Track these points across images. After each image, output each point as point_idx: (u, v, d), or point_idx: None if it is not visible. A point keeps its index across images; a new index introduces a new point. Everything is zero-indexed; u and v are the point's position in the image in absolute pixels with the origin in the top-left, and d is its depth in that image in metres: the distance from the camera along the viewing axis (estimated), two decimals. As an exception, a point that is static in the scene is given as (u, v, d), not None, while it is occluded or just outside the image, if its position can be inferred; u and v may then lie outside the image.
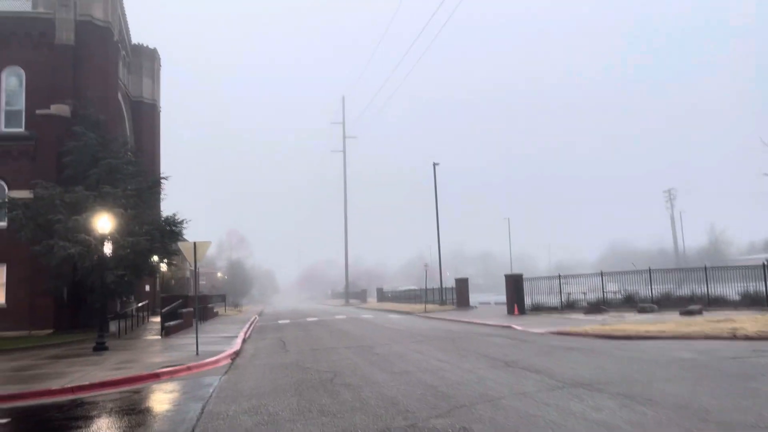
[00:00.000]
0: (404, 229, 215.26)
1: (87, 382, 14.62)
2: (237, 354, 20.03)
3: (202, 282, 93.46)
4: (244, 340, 25.29)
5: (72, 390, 13.93)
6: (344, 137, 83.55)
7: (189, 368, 16.76)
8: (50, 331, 28.67)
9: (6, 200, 28.35)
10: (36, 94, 32.15)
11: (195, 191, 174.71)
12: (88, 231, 25.52)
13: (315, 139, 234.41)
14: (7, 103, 32.42)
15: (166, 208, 39.46)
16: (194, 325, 23.47)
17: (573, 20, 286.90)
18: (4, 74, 32.52)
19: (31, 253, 27.72)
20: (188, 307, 38.19)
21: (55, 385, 14.50)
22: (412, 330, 27.06)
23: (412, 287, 76.07)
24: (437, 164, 51.79)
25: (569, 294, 35.82)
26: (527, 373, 12.55)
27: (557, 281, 36.31)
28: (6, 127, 32.04)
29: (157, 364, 17.47)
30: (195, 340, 20.67)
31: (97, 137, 29.35)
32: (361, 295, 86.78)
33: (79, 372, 16.58)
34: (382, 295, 77.77)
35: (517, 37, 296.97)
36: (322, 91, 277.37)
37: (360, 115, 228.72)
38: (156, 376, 15.60)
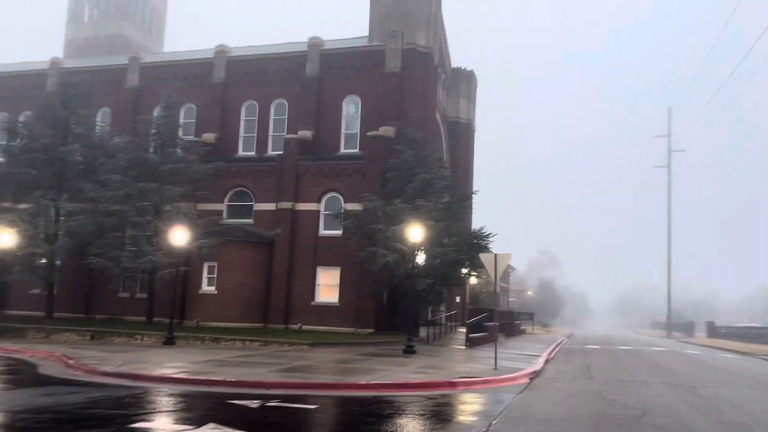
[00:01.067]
0: (746, 256, 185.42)
1: (389, 381, 15.35)
2: (536, 374, 19.05)
3: (511, 299, 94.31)
4: (546, 361, 24.15)
5: (375, 387, 14.75)
6: (669, 151, 75.56)
7: (485, 382, 16.43)
8: (371, 330, 31.66)
9: (342, 211, 32.40)
10: (367, 118, 36.26)
11: (506, 208, 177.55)
12: (403, 240, 27.47)
13: (635, 152, 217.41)
14: (345, 128, 37.29)
15: (476, 222, 40.59)
16: (497, 338, 23.28)
17: None
18: (345, 103, 37.51)
19: (358, 259, 31.09)
20: (494, 321, 38.52)
21: (362, 380, 15.57)
22: (751, 373, 22.45)
23: (755, 325, 64.48)
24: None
25: None
26: None
27: None
28: (345, 149, 36.85)
29: (455, 373, 17.58)
30: (495, 354, 20.36)
31: (414, 154, 31.65)
32: (687, 328, 76.89)
33: (386, 371, 17.59)
34: (712, 330, 67.70)
35: None
36: (645, 101, 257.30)
37: (689, 125, 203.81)
38: (452, 385, 15.62)
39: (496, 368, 18.97)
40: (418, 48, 36.66)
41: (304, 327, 32.40)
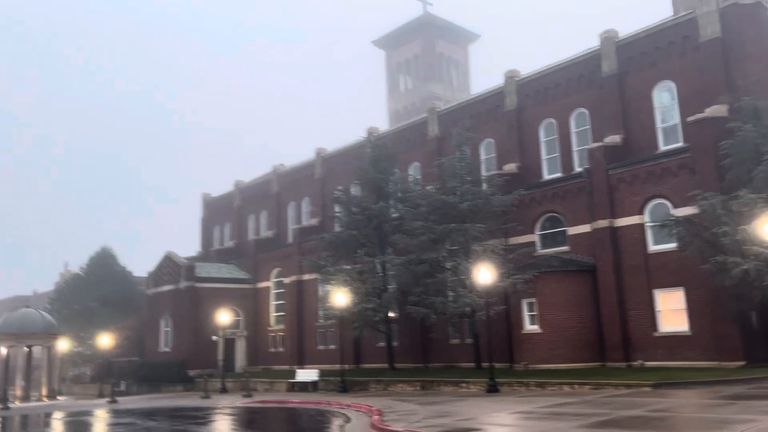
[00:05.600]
0: None
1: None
2: None
3: None
4: None
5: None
6: None
7: None
8: (741, 363, 24.48)
9: (672, 219, 26.50)
10: (686, 102, 29.68)
11: None
12: (760, 241, 20.74)
13: None
14: (661, 121, 31.22)
15: None
16: None
17: None
18: (655, 92, 31.60)
19: (703, 274, 24.74)
20: None
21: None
22: None
23: None
24: None
25: None
26: None
27: None
28: (664, 145, 30.75)
29: None
30: None
31: (755, 128, 24.24)
32: None
33: (750, 423, 12.34)
34: None
35: None
36: None
37: None
38: None
39: None
40: (740, 2, 29.09)
41: (649, 363, 26.90)
